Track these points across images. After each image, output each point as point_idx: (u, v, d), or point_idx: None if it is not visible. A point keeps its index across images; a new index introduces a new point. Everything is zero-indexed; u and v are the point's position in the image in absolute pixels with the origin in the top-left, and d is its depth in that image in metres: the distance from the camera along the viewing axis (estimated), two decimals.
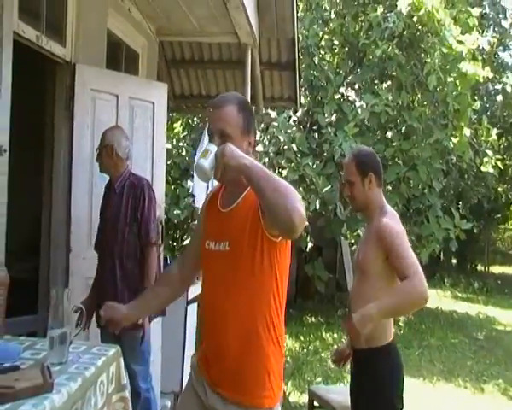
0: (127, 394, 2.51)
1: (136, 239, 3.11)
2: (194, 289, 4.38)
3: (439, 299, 11.81)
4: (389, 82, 8.94)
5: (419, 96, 8.77)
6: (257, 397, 1.83)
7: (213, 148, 1.77)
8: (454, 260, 16.98)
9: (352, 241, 9.64)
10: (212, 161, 1.74)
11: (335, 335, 7.82)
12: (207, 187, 4.86)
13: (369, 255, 2.53)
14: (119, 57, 4.92)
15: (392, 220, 2.53)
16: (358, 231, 9.18)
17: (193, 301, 4.36)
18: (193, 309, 4.41)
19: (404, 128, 8.46)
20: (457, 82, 7.91)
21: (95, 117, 3.93)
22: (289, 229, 1.61)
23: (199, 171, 1.78)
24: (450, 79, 7.90)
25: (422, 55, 8.58)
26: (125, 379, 2.55)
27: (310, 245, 8.65)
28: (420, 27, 8.29)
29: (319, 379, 5.72)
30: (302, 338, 7.53)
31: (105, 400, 2.32)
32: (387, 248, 2.45)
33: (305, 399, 4.96)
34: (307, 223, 8.06)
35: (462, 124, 8.10)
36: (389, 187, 8.47)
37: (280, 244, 1.82)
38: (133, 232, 3.11)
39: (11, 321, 2.51)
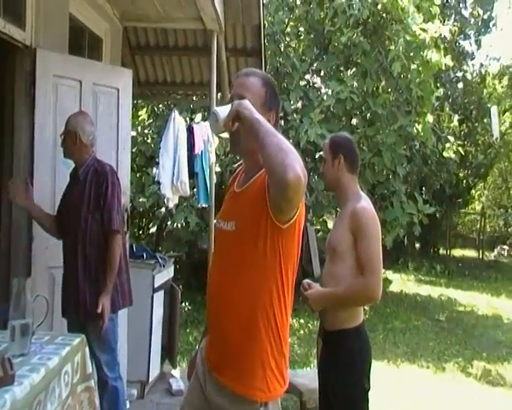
0: (93, 383, 2.51)
1: (99, 227, 3.07)
2: (161, 277, 4.38)
3: (403, 283, 12.05)
4: (354, 69, 9.01)
5: (383, 82, 8.88)
6: (249, 387, 1.80)
7: (220, 109, 1.80)
8: (417, 245, 17.32)
9: (318, 227, 9.75)
10: (226, 111, 1.76)
11: (301, 320, 7.91)
12: (173, 174, 4.84)
13: (341, 235, 2.59)
14: (82, 43, 4.81)
15: (369, 206, 2.60)
16: (324, 217, 9.28)
17: (159, 288, 4.35)
18: (159, 297, 4.39)
19: (368, 115, 8.57)
20: (420, 69, 8.04)
21: (57, 103, 3.84)
22: (283, 184, 1.57)
23: (212, 117, 1.80)
24: (413, 67, 8.03)
25: (387, 42, 8.69)
26: (91, 369, 2.54)
27: None
28: (384, 15, 8.39)
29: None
30: None
31: (70, 390, 2.31)
32: (358, 231, 2.52)
33: None
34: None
35: (426, 110, 8.25)
36: None
37: (286, 231, 1.78)
38: (96, 220, 3.08)
39: None
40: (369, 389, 2.62)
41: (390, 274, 12.29)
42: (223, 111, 1.78)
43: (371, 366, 2.66)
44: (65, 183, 3.46)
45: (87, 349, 2.53)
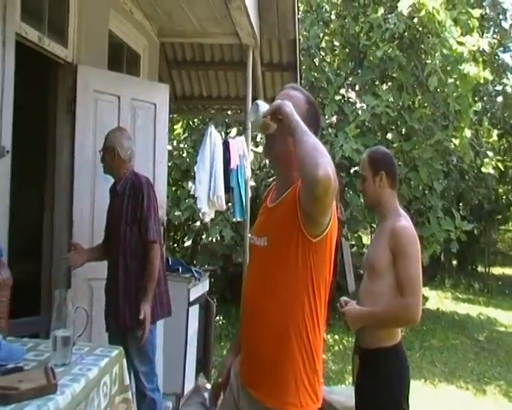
0: (130, 395, 2.51)
1: (137, 239, 3.11)
2: (196, 290, 4.39)
3: (440, 300, 11.80)
4: (390, 83, 8.94)
5: (420, 97, 8.77)
6: (282, 402, 1.79)
7: (263, 103, 1.85)
8: (454, 262, 16.93)
9: (353, 242, 9.65)
10: (267, 105, 1.81)
11: (336, 336, 7.81)
12: (209, 188, 4.86)
13: (380, 253, 2.54)
14: (121, 58, 4.92)
15: (410, 225, 2.54)
16: (359, 232, 9.19)
17: (194, 302, 4.36)
18: (194, 311, 4.40)
19: (404, 129, 8.47)
20: (458, 83, 7.91)
21: (97, 118, 3.93)
22: (313, 181, 1.57)
23: (254, 107, 1.84)
24: (450, 81, 7.91)
25: (423, 56, 8.59)
26: (128, 380, 2.55)
27: None
28: (421, 29, 8.30)
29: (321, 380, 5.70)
30: None
31: (108, 401, 2.31)
32: (398, 250, 2.47)
33: None
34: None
35: (463, 125, 8.10)
36: None
37: (317, 246, 1.77)
38: (134, 232, 3.11)
39: (14, 322, 2.50)
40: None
41: (426, 291, 12.06)
42: (265, 105, 1.82)
43: (410, 386, 2.59)
44: (103, 197, 3.51)
45: (125, 361, 2.54)
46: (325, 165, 1.57)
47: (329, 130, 8.25)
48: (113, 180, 3.36)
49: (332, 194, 1.62)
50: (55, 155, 3.83)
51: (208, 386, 4.70)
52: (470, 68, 7.70)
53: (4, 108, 2.91)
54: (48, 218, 3.80)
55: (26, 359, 2.21)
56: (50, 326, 2.26)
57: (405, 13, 7.93)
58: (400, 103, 8.31)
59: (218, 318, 7.42)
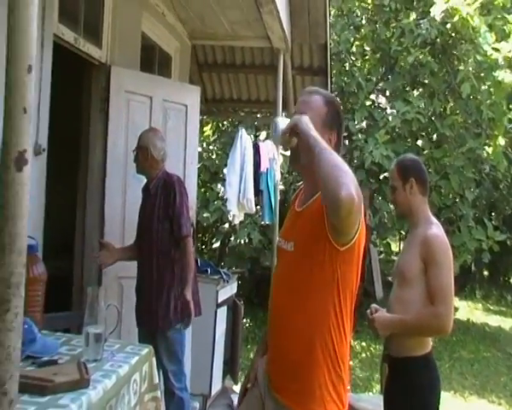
0: (159, 394, 2.51)
1: (169, 237, 3.12)
2: (224, 292, 4.38)
3: (470, 311, 11.56)
4: (421, 89, 8.84)
5: (451, 103, 8.65)
6: (306, 409, 1.79)
7: (281, 120, 1.85)
8: (486, 272, 16.59)
9: (381, 249, 9.55)
10: (286, 123, 1.79)
11: (363, 343, 7.72)
12: (239, 191, 4.86)
13: (410, 261, 2.50)
14: (153, 60, 4.96)
15: (441, 233, 2.49)
16: (388, 239, 9.09)
17: (222, 304, 4.35)
18: (222, 313, 4.40)
19: (435, 136, 8.36)
20: (492, 90, 7.76)
21: (129, 118, 3.96)
22: (335, 202, 1.53)
23: (272, 126, 1.86)
24: (484, 87, 7.77)
25: (456, 62, 8.48)
26: (157, 379, 2.55)
27: None
28: (454, 34, 8.19)
29: (347, 388, 5.63)
30: None
31: (138, 398, 2.31)
32: (430, 259, 2.42)
33: None
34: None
35: (497, 133, 7.94)
36: None
37: (345, 254, 1.74)
38: (166, 229, 3.13)
39: (47, 317, 2.53)
40: None
41: (456, 301, 11.79)
42: (283, 122, 1.81)
43: (440, 398, 2.53)
44: (135, 196, 3.54)
45: (154, 360, 2.54)
46: (348, 184, 1.51)
47: (359, 135, 8.19)
48: (144, 180, 3.38)
49: (356, 212, 1.59)
50: (87, 154, 3.87)
51: (235, 388, 4.69)
52: (505, 75, 7.56)
53: (41, 107, 2.95)
54: (80, 216, 3.84)
55: (60, 353, 2.23)
56: (82, 322, 2.28)
57: (438, 18, 7.83)
58: (431, 110, 8.22)
59: (244, 320, 7.40)
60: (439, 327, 2.41)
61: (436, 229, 2.49)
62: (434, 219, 2.59)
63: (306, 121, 1.72)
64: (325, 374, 1.77)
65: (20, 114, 1.27)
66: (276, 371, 1.88)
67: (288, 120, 1.79)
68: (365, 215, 1.79)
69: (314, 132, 1.69)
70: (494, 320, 10.91)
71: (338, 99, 2.08)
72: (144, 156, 3.25)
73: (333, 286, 1.75)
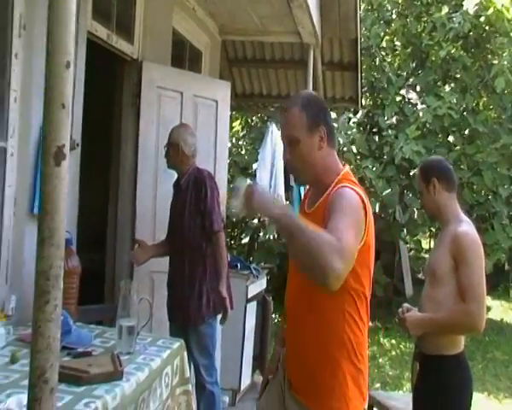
0: (190, 387, 2.54)
1: (201, 232, 3.14)
2: (254, 287, 4.39)
3: (504, 311, 11.28)
4: (453, 84, 8.68)
5: (485, 98, 8.48)
6: (327, 407, 1.80)
7: (242, 184, 1.70)
8: None
9: (411, 245, 9.43)
10: (240, 199, 1.67)
11: (393, 341, 7.63)
12: (270, 186, 4.86)
13: (441, 259, 2.48)
14: (184, 55, 4.98)
15: (472, 230, 2.47)
16: (418, 236, 8.97)
17: (252, 299, 4.36)
18: (252, 308, 4.40)
19: (468, 132, 8.20)
20: None
21: (160, 114, 3.99)
22: (325, 285, 1.52)
23: (234, 190, 1.73)
24: None
25: (490, 56, 8.32)
26: (189, 373, 2.57)
27: None
28: (488, 27, 8.02)
29: (377, 385, 5.59)
30: None
31: (169, 392, 2.34)
32: (460, 256, 2.40)
33: None
34: None
35: None
36: None
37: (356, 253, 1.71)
38: (197, 225, 3.14)
39: (81, 309, 2.57)
40: None
41: (489, 300, 11.54)
42: (238, 202, 1.67)
43: (472, 399, 2.49)
44: (166, 192, 3.56)
45: (185, 354, 2.57)
46: (330, 265, 1.46)
47: (389, 131, 8.09)
48: (175, 176, 3.40)
49: (348, 268, 1.54)
50: (119, 149, 3.91)
51: None
52: None
53: (75, 103, 2.99)
54: (112, 211, 3.89)
55: (94, 344, 2.26)
56: (114, 315, 2.31)
57: (471, 11, 7.68)
58: (464, 105, 8.06)
59: (273, 316, 7.39)
60: (471, 325, 2.37)
61: (466, 226, 2.46)
62: (465, 217, 2.56)
63: (260, 199, 1.65)
64: (344, 371, 1.79)
65: (59, 109, 1.29)
66: (295, 373, 1.90)
67: (238, 190, 1.69)
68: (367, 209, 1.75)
69: (274, 210, 1.62)
70: None
71: (313, 93, 2.13)
72: (175, 152, 3.26)
73: (346, 285, 1.70)
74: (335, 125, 7.95)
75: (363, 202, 1.72)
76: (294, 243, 1.59)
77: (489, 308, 10.52)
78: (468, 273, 2.37)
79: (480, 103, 8.56)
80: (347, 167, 1.93)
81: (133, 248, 3.39)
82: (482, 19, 7.79)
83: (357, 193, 1.74)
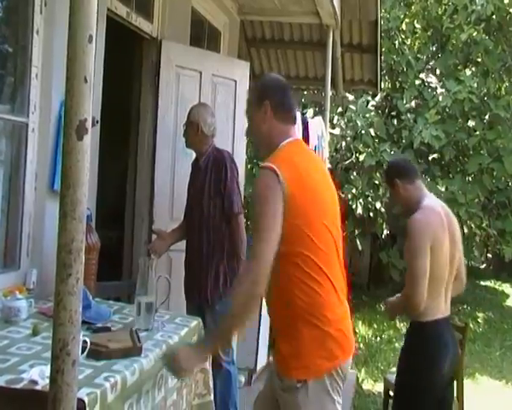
0: (207, 366, 2.54)
1: (220, 212, 3.12)
2: None
3: None
4: (474, 68, 8.56)
5: (507, 83, 8.35)
6: (287, 368, 1.85)
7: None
8: None
9: None
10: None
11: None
12: None
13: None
14: (202, 35, 4.94)
15: (420, 216, 2.57)
16: None
17: None
18: None
19: (488, 117, 8.08)
20: None
21: (179, 93, 3.97)
22: (256, 301, 1.79)
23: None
24: None
25: None
26: None
27: (385, 232, 8.44)
28: (511, 10, 7.87)
29: (393, 369, 5.58)
30: (375, 326, 7.37)
31: None
32: (407, 242, 2.60)
33: (378, 387, 4.85)
34: (383, 209, 7.91)
35: None
36: (470, 178, 8.14)
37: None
38: (217, 205, 3.12)
39: (99, 285, 2.59)
40: (430, 394, 2.60)
41: (507, 288, 11.47)
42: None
43: (451, 376, 2.71)
44: (184, 171, 3.55)
45: (203, 332, 2.57)
46: (250, 301, 1.75)
47: (408, 115, 8.00)
48: (193, 155, 3.38)
49: (267, 266, 1.73)
50: (138, 127, 3.92)
51: None
52: None
53: (95, 81, 2.97)
54: (130, 188, 3.91)
55: (112, 320, 2.28)
56: (132, 291, 2.32)
57: None
58: (485, 90, 7.95)
59: None
60: (409, 306, 2.56)
61: (420, 214, 2.58)
62: (427, 201, 2.67)
63: (187, 360, 1.79)
64: (303, 334, 1.82)
65: (81, 83, 1.29)
66: (272, 343, 2.06)
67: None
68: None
69: (201, 356, 1.87)
70: None
71: (272, 75, 2.38)
72: (194, 131, 3.24)
73: (280, 254, 1.76)
74: (353, 107, 7.89)
75: (274, 171, 1.76)
76: (228, 333, 1.89)
77: (507, 296, 10.45)
78: (409, 258, 2.56)
79: (502, 88, 8.44)
80: (291, 138, 1.95)
81: (151, 240, 3.38)
82: (506, 1, 7.64)
83: (268, 168, 1.78)
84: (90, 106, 1.30)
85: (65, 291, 1.25)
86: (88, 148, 1.31)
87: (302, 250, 1.80)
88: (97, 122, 2.97)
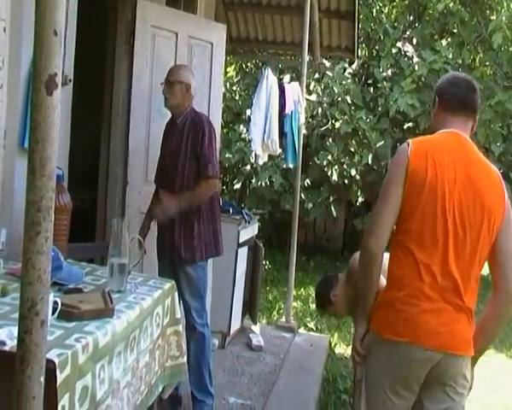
0: (181, 328, 2.55)
1: (195, 174, 3.08)
2: (245, 233, 4.40)
3: None
4: (450, 39, 8.58)
5: (481, 54, 8.38)
6: None
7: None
8: None
9: None
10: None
11: None
12: (264, 131, 4.80)
13: None
14: None
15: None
16: None
17: (243, 244, 4.37)
18: (243, 253, 4.41)
19: None
20: None
21: (154, 54, 3.89)
22: None
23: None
24: None
25: (488, 11, 8.19)
26: (179, 314, 2.58)
27: (360, 200, 8.52)
28: None
29: None
30: None
31: (160, 331, 2.35)
32: None
33: (350, 351, 4.93)
34: (358, 177, 7.96)
35: None
36: None
37: None
38: (192, 167, 3.09)
39: (71, 247, 2.55)
40: None
41: None
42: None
43: None
44: (158, 130, 3.49)
45: (176, 295, 2.57)
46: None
47: (384, 83, 8.00)
48: (169, 116, 3.32)
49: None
50: (112, 87, 3.83)
51: (254, 328, 4.79)
52: None
53: (67, 37, 2.89)
54: (104, 150, 3.84)
55: (84, 282, 2.25)
56: (105, 253, 2.30)
57: None
58: (460, 60, 7.99)
59: (264, 262, 7.40)
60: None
61: None
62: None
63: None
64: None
65: (51, 36, 1.23)
66: None
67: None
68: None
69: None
70: None
71: None
72: (182, 91, 3.17)
73: None
74: (330, 74, 7.85)
75: None
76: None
77: None
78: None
79: (477, 59, 8.47)
80: None
81: (125, 202, 3.30)
82: None
83: None
84: (61, 61, 1.25)
85: (33, 250, 1.21)
86: (58, 103, 1.26)
87: None
88: (70, 81, 2.89)
